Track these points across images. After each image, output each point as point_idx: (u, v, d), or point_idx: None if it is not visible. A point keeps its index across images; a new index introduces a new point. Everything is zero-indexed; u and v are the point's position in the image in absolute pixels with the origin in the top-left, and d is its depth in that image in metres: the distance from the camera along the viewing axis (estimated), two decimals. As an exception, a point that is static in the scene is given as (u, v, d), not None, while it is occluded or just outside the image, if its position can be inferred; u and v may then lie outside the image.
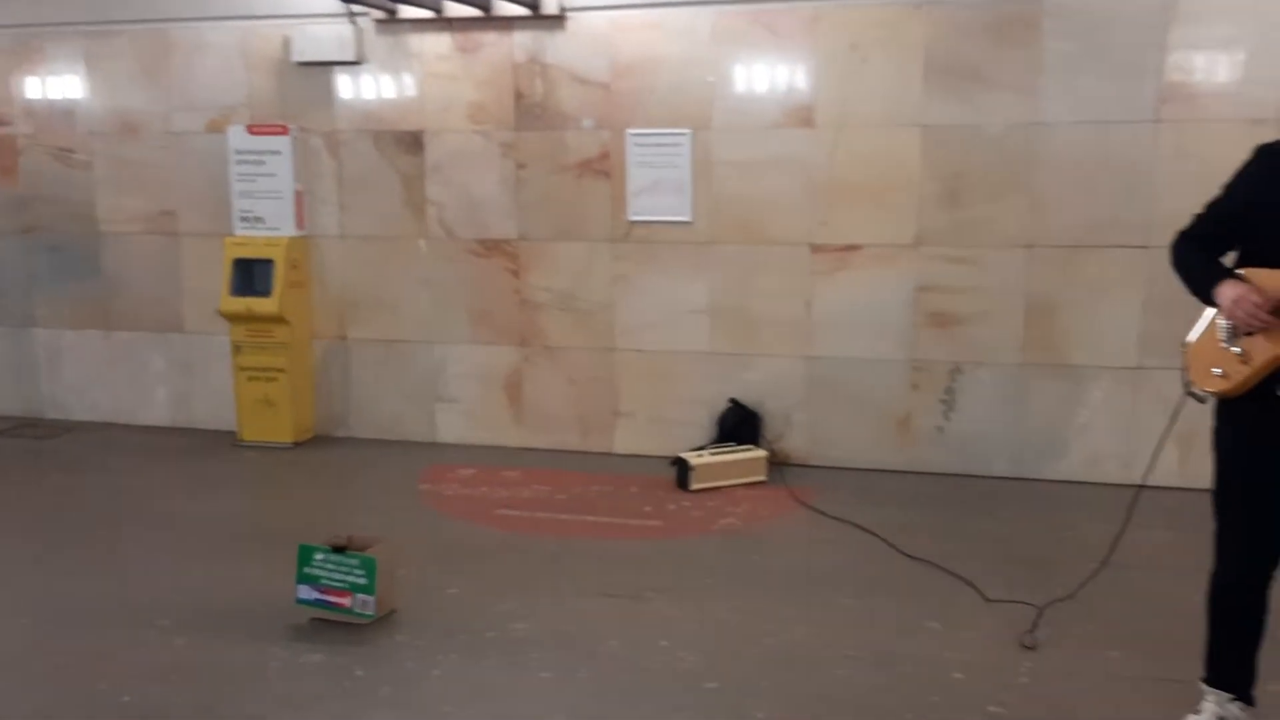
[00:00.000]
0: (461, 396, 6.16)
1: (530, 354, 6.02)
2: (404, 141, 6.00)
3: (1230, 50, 4.96)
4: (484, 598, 4.00)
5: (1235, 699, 2.95)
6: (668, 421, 5.87)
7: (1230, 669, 2.95)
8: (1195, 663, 3.02)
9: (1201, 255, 2.80)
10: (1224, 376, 2.73)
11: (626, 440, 5.96)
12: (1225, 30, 4.95)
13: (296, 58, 6.01)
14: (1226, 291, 2.67)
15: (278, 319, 6.05)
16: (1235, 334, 2.70)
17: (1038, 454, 5.47)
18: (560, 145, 5.79)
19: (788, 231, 5.59)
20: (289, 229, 6.14)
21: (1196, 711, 2.98)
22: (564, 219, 5.85)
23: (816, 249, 5.57)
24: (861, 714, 3.15)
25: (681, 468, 5.35)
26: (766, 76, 5.50)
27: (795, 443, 5.75)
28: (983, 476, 5.49)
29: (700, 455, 5.40)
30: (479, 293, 6.03)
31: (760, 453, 5.52)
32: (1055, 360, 5.38)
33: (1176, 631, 3.49)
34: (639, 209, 5.73)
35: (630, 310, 5.85)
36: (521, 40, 5.74)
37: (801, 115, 5.48)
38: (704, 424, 5.80)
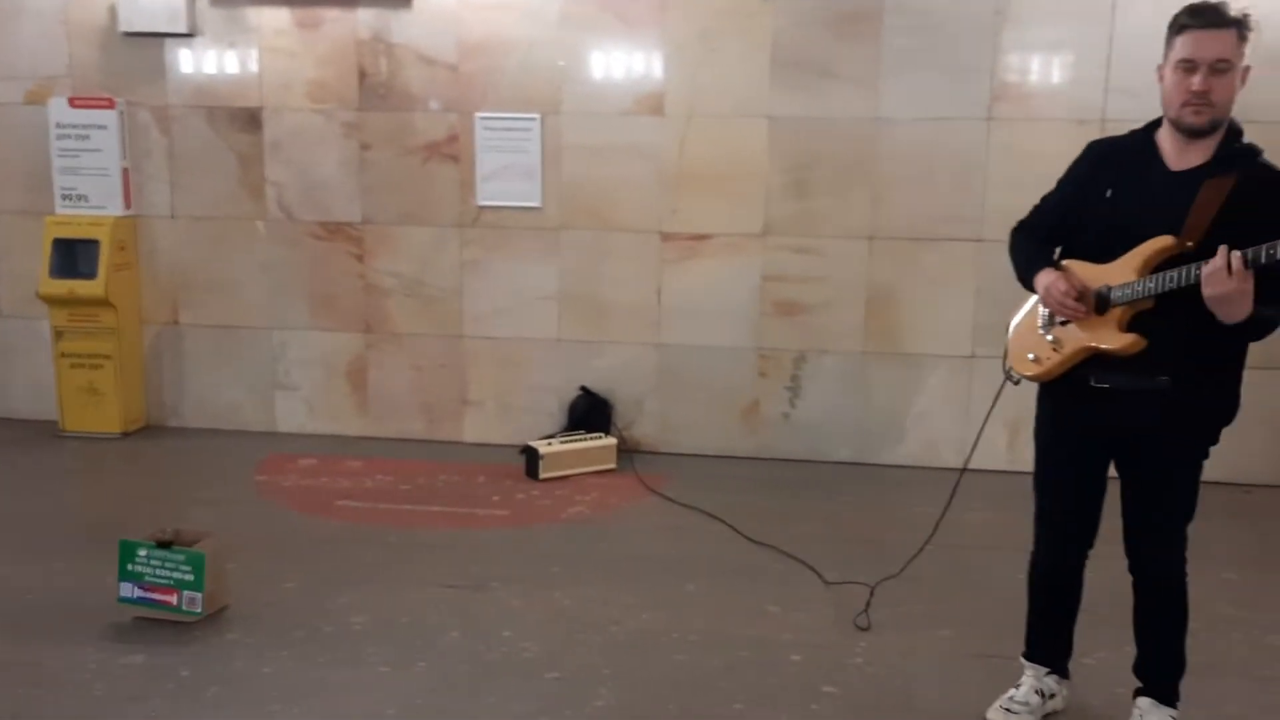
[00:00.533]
0: (302, 384, 5.95)
1: (375, 341, 5.86)
2: (240, 119, 5.74)
3: (1057, 53, 5.19)
4: (321, 591, 3.88)
5: (1051, 672, 3.10)
6: (517, 409, 5.81)
7: (1047, 644, 3.09)
8: (1019, 639, 3.16)
9: (1031, 244, 2.91)
10: (1036, 362, 2.84)
11: (475, 429, 5.87)
12: (1053, 33, 5.17)
13: (124, 28, 5.67)
14: (1042, 279, 2.79)
15: (103, 303, 5.71)
16: (1052, 322, 2.82)
17: (879, 440, 5.62)
18: (406, 127, 5.64)
19: (638, 219, 5.59)
20: (116, 208, 5.81)
21: (1017, 685, 3.11)
22: (410, 202, 5.71)
23: (667, 237, 5.60)
24: (700, 698, 3.18)
25: (530, 456, 5.30)
26: (616, 63, 5.48)
27: (645, 430, 5.77)
28: (827, 462, 5.61)
29: (550, 443, 5.36)
30: (321, 277, 5.83)
31: (610, 440, 5.51)
32: (895, 349, 5.54)
33: (1003, 609, 3.63)
34: (488, 194, 5.64)
35: (479, 296, 5.75)
36: (365, 18, 5.56)
37: (652, 103, 5.48)
38: (554, 412, 5.76)
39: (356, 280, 5.81)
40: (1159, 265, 2.58)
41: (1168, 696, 2.90)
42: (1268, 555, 4.46)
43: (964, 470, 3.44)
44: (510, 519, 4.74)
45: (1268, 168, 2.61)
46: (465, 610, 3.75)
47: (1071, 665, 3.15)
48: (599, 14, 5.44)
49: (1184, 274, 2.50)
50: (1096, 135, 2.95)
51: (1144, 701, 2.92)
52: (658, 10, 5.40)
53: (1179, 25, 2.60)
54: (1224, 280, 2.40)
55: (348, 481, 5.18)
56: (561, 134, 5.55)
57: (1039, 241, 2.89)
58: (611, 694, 3.18)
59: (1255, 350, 5.40)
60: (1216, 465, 5.23)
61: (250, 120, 5.74)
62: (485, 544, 4.42)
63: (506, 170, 5.60)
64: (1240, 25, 2.55)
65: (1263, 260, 2.39)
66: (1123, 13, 5.05)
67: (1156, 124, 2.74)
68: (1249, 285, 2.42)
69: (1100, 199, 2.75)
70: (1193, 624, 3.68)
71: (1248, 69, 2.59)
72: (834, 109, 5.37)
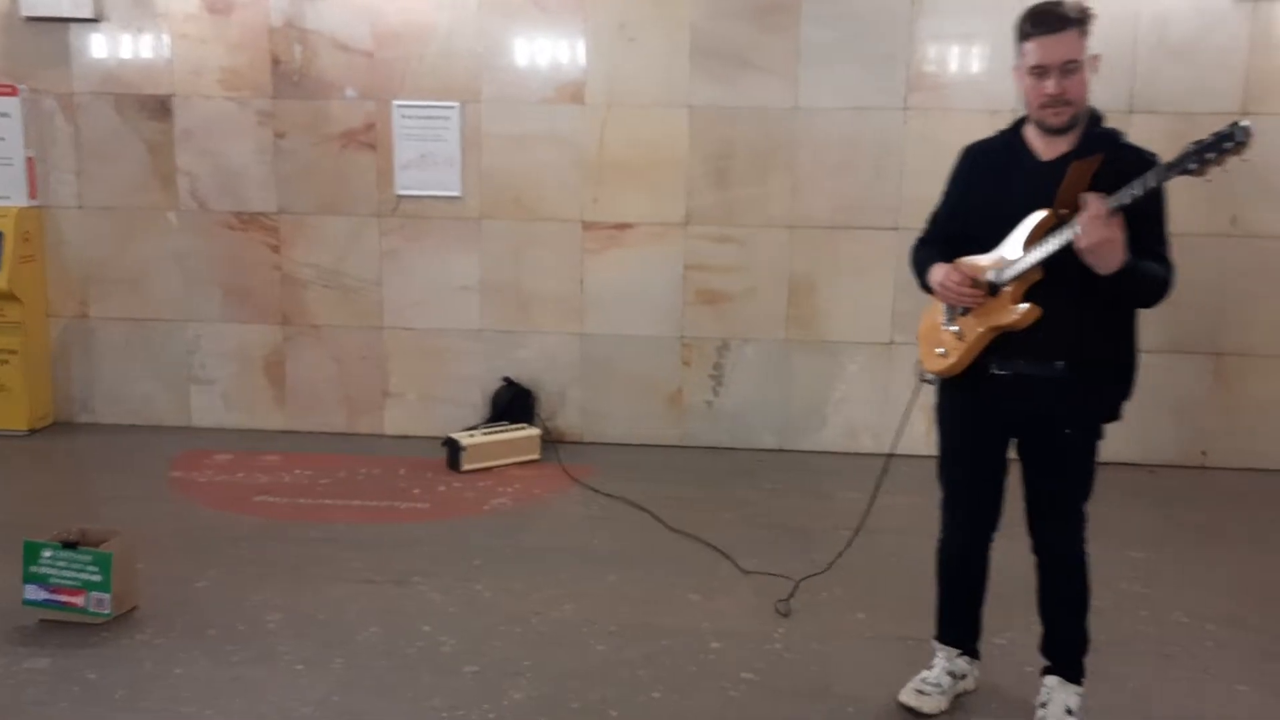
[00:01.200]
0: (218, 378, 5.83)
1: (293, 333, 5.76)
2: (149, 106, 5.59)
3: (972, 44, 5.27)
4: (236, 590, 3.80)
5: (962, 654, 3.16)
6: (439, 401, 5.76)
7: (956, 626, 3.15)
8: (933, 621, 3.21)
9: (929, 252, 2.97)
10: (945, 355, 2.89)
11: (396, 421, 5.80)
12: (967, 25, 5.25)
13: (26, 12, 5.49)
14: (935, 275, 2.86)
15: (7, 296, 5.53)
16: (953, 315, 2.87)
17: (800, 426, 5.68)
18: (322, 115, 5.54)
19: (560, 208, 5.56)
20: (20, 198, 5.63)
21: (929, 667, 3.17)
22: (327, 192, 5.61)
23: (588, 226, 5.58)
24: (618, 688, 3.18)
25: (452, 448, 5.26)
26: (536, 51, 5.45)
27: (569, 420, 5.76)
28: (751, 449, 5.66)
29: (472, 435, 5.32)
30: (236, 268, 5.71)
31: (534, 431, 5.49)
32: (816, 337, 5.59)
33: (919, 592, 3.69)
34: (407, 183, 5.57)
35: (399, 287, 5.68)
36: (278, 4, 5.44)
37: (572, 91, 5.46)
38: (477, 403, 5.72)
39: (273, 271, 5.70)
40: (1041, 237, 2.65)
41: (1073, 674, 2.97)
42: (1172, 534, 4.59)
43: (890, 456, 3.47)
44: (432, 512, 4.70)
45: (1131, 148, 2.70)
46: (385, 605, 3.71)
47: (982, 646, 3.22)
48: (519, 1, 5.40)
49: (1056, 236, 2.59)
50: (1009, 124, 3.01)
51: (1051, 679, 2.98)
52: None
53: (1024, 32, 2.68)
54: (1097, 228, 2.48)
55: (265, 476, 5.09)
56: (481, 122, 5.50)
57: (940, 250, 2.93)
58: (530, 686, 3.17)
59: (1162, 335, 5.60)
60: (1124, 446, 5.46)
61: (160, 108, 5.59)
62: (406, 538, 4.38)
63: (425, 159, 5.53)
64: (1080, 23, 2.63)
65: (1127, 201, 2.49)
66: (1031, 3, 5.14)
67: (1023, 121, 2.82)
68: (1119, 233, 2.50)
69: (982, 198, 2.84)
70: (1100, 602, 3.78)
71: (1096, 57, 2.68)
72: (753, 99, 5.40)
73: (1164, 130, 5.18)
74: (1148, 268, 2.61)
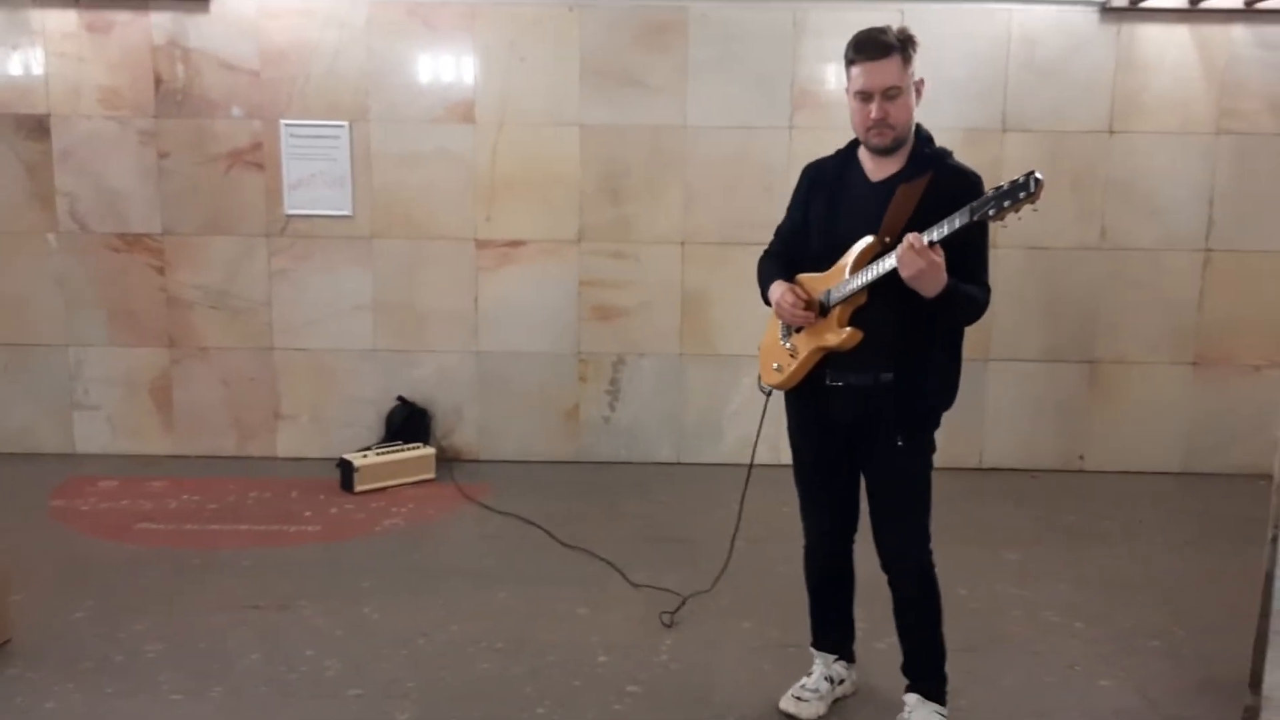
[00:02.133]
0: (103, 403, 5.69)
1: (180, 356, 5.65)
2: (26, 126, 5.45)
3: (852, 64, 5.42)
4: (114, 620, 3.72)
5: (839, 659, 3.24)
6: (333, 422, 5.70)
7: (829, 631, 3.23)
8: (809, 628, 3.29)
9: (772, 265, 3.04)
10: (780, 371, 2.98)
11: (289, 443, 5.73)
12: (843, 45, 5.37)
13: (-107, 27, 5.33)
14: (773, 293, 2.93)
15: (-125, 322, 5.35)
16: (789, 332, 2.96)
17: (697, 439, 5.76)
18: (207, 135, 5.46)
19: (452, 226, 5.57)
20: (-112, 220, 5.45)
21: (809, 673, 3.24)
22: (214, 212, 5.53)
23: (482, 244, 5.59)
24: (503, 705, 3.19)
25: (346, 469, 5.21)
26: (426, 70, 5.45)
27: (465, 438, 5.75)
28: (648, 463, 5.72)
29: (366, 455, 5.28)
30: (120, 291, 5.59)
31: (429, 450, 5.47)
32: (710, 350, 5.68)
33: (801, 599, 3.77)
34: (296, 202, 5.52)
35: (290, 307, 5.62)
36: (160, 21, 5.36)
37: (462, 111, 5.47)
38: (371, 423, 5.68)
39: (158, 293, 5.59)
40: (866, 263, 2.74)
41: (932, 692, 3.01)
42: (1048, 535, 4.75)
43: (750, 466, 3.52)
44: (322, 534, 4.65)
45: (957, 169, 2.79)
46: (268, 631, 3.66)
47: (863, 650, 3.30)
48: (407, 20, 5.40)
49: (880, 263, 2.68)
50: (846, 144, 3.09)
51: (910, 697, 3.02)
52: (466, 18, 5.39)
53: (849, 58, 2.77)
54: (914, 259, 2.56)
55: (150, 503, 4.98)
56: (371, 141, 5.48)
57: (782, 265, 3.01)
58: (414, 707, 3.16)
59: (1040, 345, 5.80)
60: (1007, 453, 5.64)
61: (37, 127, 5.46)
62: (294, 561, 4.32)
63: (315, 178, 5.49)
64: (903, 49, 2.72)
65: (936, 237, 2.57)
66: (909, 23, 5.29)
67: (858, 141, 2.90)
68: (939, 260, 2.57)
69: (816, 216, 2.92)
70: (976, 604, 3.93)
71: (921, 82, 2.79)
72: (644, 117, 5.47)
73: (1036, 148, 5.43)
74: (966, 291, 2.69)
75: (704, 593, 3.89)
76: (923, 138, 2.84)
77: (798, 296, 2.85)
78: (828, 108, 5.42)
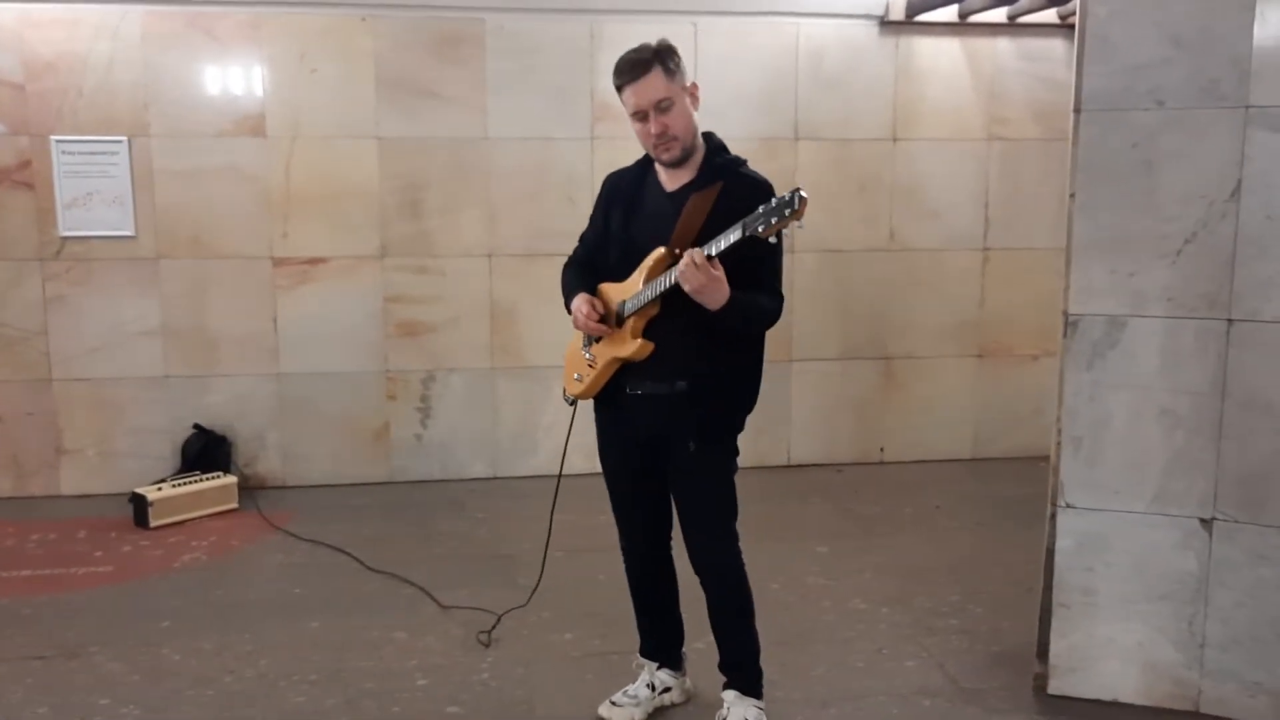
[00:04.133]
0: None
1: (-55, 392, 5.22)
2: None
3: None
4: (-126, 686, 3.39)
5: (661, 666, 3.24)
6: (122, 455, 5.37)
7: (649, 637, 3.25)
8: (636, 635, 3.30)
9: (574, 274, 3.05)
10: (580, 381, 3.00)
11: (74, 480, 5.36)
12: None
13: None
14: (574, 304, 2.93)
15: None
16: (589, 342, 2.98)
17: (511, 453, 5.72)
18: (-33, 152, 5.07)
19: (245, 244, 5.34)
20: None
21: (634, 680, 3.26)
22: (-22, 236, 5.13)
23: (279, 262, 5.39)
24: (318, 740, 3.08)
25: (139, 504, 4.92)
26: (210, 82, 5.22)
27: (270, 465, 5.53)
28: (462, 479, 5.65)
29: (160, 488, 5.00)
30: None
31: (230, 479, 5.22)
32: (521, 363, 5.65)
33: (623, 608, 3.79)
34: (72, 223, 5.18)
35: (68, 335, 5.26)
36: (-95, 30, 4.94)
37: (252, 124, 5.26)
38: (165, 454, 5.38)
39: (-85, 325, 5.15)
40: (658, 274, 2.76)
41: (749, 687, 3.05)
42: (854, 527, 4.96)
43: (560, 477, 3.50)
44: (114, 575, 4.37)
45: (747, 177, 2.83)
46: (55, 682, 3.41)
47: (686, 654, 3.32)
48: (186, 31, 5.15)
49: (667, 276, 2.71)
50: (643, 154, 3.12)
51: (729, 694, 3.05)
52: (251, 28, 5.20)
53: (616, 85, 2.83)
54: (694, 274, 2.59)
55: (-85, 554, 4.57)
56: (153, 157, 5.20)
57: (584, 272, 3.02)
58: (220, 750, 3.02)
59: (839, 344, 6.03)
60: (813, 449, 5.84)
61: None
62: (83, 606, 4.04)
63: (92, 198, 5.17)
64: (661, 61, 2.75)
65: (715, 251, 2.61)
66: (703, 37, 5.45)
67: None
68: (719, 275, 2.60)
69: (615, 225, 2.95)
70: (789, 597, 4.05)
71: (694, 86, 2.82)
72: (443, 129, 5.41)
73: (827, 156, 5.66)
74: (752, 301, 2.72)
75: (520, 608, 3.85)
76: (714, 146, 2.88)
77: (593, 308, 2.86)
78: (627, 119, 5.45)
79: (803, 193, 2.48)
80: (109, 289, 5.26)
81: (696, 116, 2.84)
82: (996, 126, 5.81)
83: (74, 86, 5.09)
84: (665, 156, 2.81)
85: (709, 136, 2.89)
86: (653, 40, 2.82)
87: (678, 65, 2.78)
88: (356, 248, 5.43)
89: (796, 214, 2.48)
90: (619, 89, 2.81)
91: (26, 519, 5.02)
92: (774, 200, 2.52)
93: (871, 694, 3.36)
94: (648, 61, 2.74)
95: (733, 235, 2.58)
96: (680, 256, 2.68)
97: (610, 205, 3.00)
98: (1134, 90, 3.05)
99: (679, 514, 3.01)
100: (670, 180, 2.88)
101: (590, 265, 3.02)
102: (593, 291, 2.95)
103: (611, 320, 2.88)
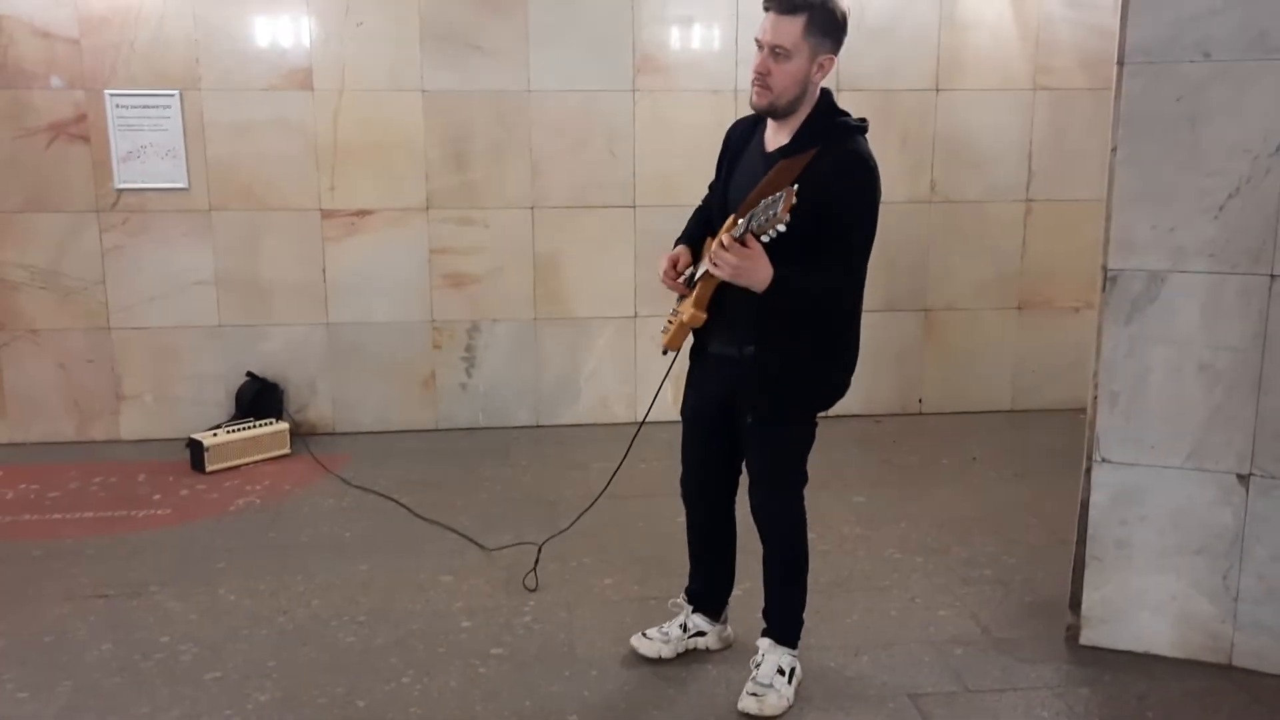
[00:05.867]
0: (-74, 393, 5.39)
1: (8, 339, 5.38)
2: None
3: (691, 26, 5.50)
4: (-49, 620, 3.57)
5: (696, 610, 3.31)
6: (180, 401, 5.53)
7: (694, 581, 3.32)
8: (676, 580, 3.38)
9: (691, 223, 3.08)
10: (665, 333, 3.04)
11: (134, 425, 5.54)
12: (687, 8, 5.47)
13: None
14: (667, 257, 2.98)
15: None
16: (682, 296, 3.00)
17: (554, 401, 5.81)
18: (26, 106, 5.18)
19: (295, 197, 5.44)
20: None
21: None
22: (37, 188, 5.26)
23: (327, 214, 5.48)
24: (367, 677, 3.21)
25: (195, 449, 5.08)
26: (259, 37, 5.28)
27: (320, 411, 5.67)
28: (506, 427, 5.75)
29: (216, 434, 5.16)
30: (-63, 274, 5.29)
31: (283, 425, 5.37)
32: (563, 314, 5.72)
33: (664, 553, 3.91)
34: (127, 175, 5.29)
35: (126, 285, 5.41)
36: (-35, -14, 5.05)
37: (300, 78, 5.33)
38: (221, 401, 5.54)
39: (-19, 275, 5.31)
40: None
41: (786, 638, 3.09)
42: (891, 477, 5.01)
43: (641, 424, 3.55)
44: (173, 517, 4.54)
45: (851, 150, 2.68)
46: (119, 619, 3.58)
47: (727, 610, 3.36)
48: (235, -15, 5.22)
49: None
50: (730, 105, 3.11)
51: (764, 641, 3.10)
52: (298, -18, 5.25)
53: (764, 4, 2.67)
54: (725, 259, 2.58)
55: (-16, 495, 4.77)
56: (204, 111, 5.29)
57: (701, 222, 3.04)
58: (275, 686, 3.15)
59: (879, 296, 6.03)
60: (852, 400, 5.84)
61: None
62: (144, 546, 4.21)
63: (146, 150, 5.28)
64: (811, 11, 2.58)
65: (746, 232, 2.55)
66: (743, -11, 5.42)
67: None
68: (755, 255, 2.54)
69: (723, 176, 2.96)
70: (824, 545, 4.12)
71: (829, 60, 2.67)
72: (486, 82, 5.44)
73: (870, 106, 5.59)
74: (808, 281, 2.65)
75: (558, 535, 3.97)
76: (824, 107, 2.75)
77: (673, 265, 2.91)
78: (669, 71, 5.49)
79: (795, 198, 2.40)
80: (164, 240, 5.39)
81: (814, 87, 2.71)
82: (1042, 76, 5.73)
83: (126, 41, 5.18)
84: (755, 100, 2.70)
85: (824, 96, 2.76)
86: None
87: (827, 29, 2.63)
88: (402, 200, 5.51)
89: (777, 219, 2.42)
90: (765, 9, 2.66)
91: (89, 462, 5.20)
92: (770, 198, 2.48)
93: (903, 641, 3.43)
94: (799, 6, 2.59)
95: (750, 225, 2.54)
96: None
97: (724, 153, 2.98)
98: (1180, 42, 3.02)
99: (747, 468, 3.04)
100: (772, 138, 2.80)
101: (708, 215, 3.03)
102: (699, 243, 2.97)
103: (686, 279, 2.92)
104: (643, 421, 3.56)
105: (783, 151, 2.73)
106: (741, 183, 2.83)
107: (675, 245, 3.04)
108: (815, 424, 2.99)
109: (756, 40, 2.70)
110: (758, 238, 2.54)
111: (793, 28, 2.61)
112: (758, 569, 3.13)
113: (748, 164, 2.85)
